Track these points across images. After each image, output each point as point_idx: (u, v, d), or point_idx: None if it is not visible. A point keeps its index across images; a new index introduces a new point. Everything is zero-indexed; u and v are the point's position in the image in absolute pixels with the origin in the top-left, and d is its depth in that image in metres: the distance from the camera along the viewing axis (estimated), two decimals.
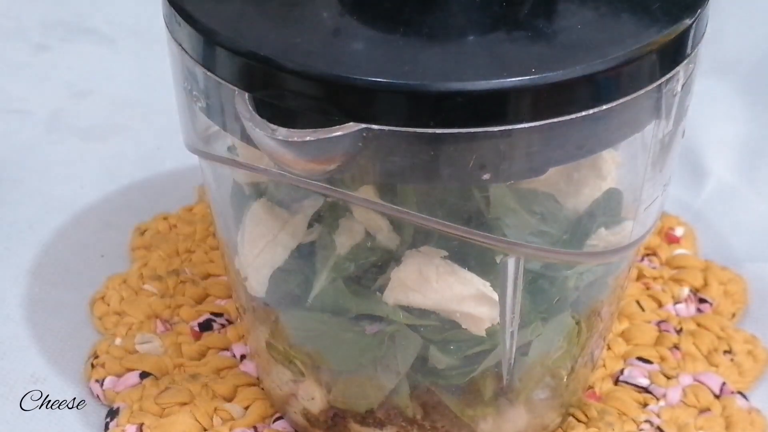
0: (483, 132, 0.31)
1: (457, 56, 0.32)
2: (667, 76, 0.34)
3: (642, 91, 0.33)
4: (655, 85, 0.33)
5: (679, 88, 0.35)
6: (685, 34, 0.34)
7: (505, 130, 0.31)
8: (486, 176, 0.32)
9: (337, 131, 0.31)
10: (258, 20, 0.34)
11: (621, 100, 0.32)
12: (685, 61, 0.34)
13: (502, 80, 0.31)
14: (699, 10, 0.35)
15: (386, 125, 0.31)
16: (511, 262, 0.35)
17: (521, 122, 0.31)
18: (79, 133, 0.63)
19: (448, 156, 0.32)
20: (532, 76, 0.31)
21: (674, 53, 0.34)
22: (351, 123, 0.31)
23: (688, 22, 0.34)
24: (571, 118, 0.32)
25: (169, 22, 0.35)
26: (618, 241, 0.38)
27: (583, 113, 0.32)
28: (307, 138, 0.31)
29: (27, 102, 0.66)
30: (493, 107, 0.31)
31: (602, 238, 0.38)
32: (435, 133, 0.31)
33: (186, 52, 0.35)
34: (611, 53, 0.32)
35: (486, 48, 0.33)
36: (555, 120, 0.32)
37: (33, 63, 0.70)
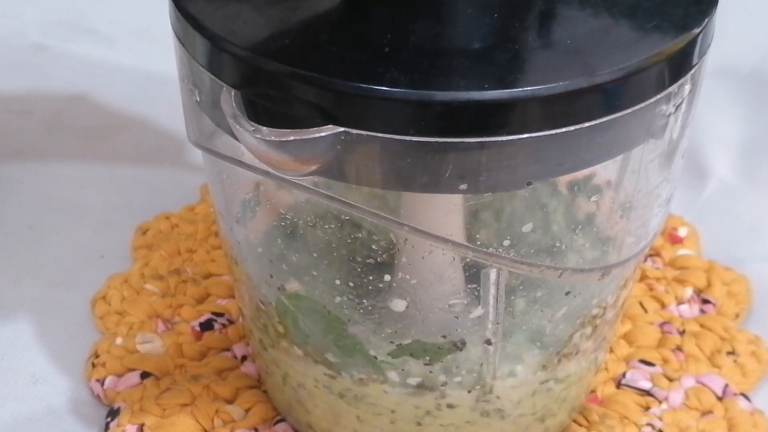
0: (461, 142, 0.31)
1: (440, 66, 0.32)
2: (657, 96, 0.33)
3: (628, 111, 0.32)
4: (642, 105, 0.33)
5: (672, 109, 0.34)
6: (677, 53, 0.33)
7: (483, 141, 0.31)
8: (463, 186, 0.32)
9: (316, 133, 0.31)
10: (253, 20, 0.34)
11: (606, 118, 0.32)
12: (679, 82, 0.33)
13: (481, 92, 0.30)
14: (688, 33, 0.33)
15: (365, 130, 0.31)
16: (492, 272, 0.35)
17: (499, 135, 0.31)
18: (79, 133, 0.63)
19: (425, 164, 0.31)
20: (511, 90, 0.31)
21: (660, 76, 0.33)
22: (330, 125, 0.31)
23: (674, 44, 0.33)
24: (551, 134, 0.31)
25: (170, 15, 0.36)
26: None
27: (563, 130, 0.31)
28: (285, 138, 0.31)
29: (27, 102, 0.65)
30: (471, 119, 0.31)
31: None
32: (413, 141, 0.31)
33: (182, 44, 0.35)
34: (597, 70, 0.31)
35: (471, 59, 0.33)
36: (534, 135, 0.31)
37: (33, 63, 0.69)
